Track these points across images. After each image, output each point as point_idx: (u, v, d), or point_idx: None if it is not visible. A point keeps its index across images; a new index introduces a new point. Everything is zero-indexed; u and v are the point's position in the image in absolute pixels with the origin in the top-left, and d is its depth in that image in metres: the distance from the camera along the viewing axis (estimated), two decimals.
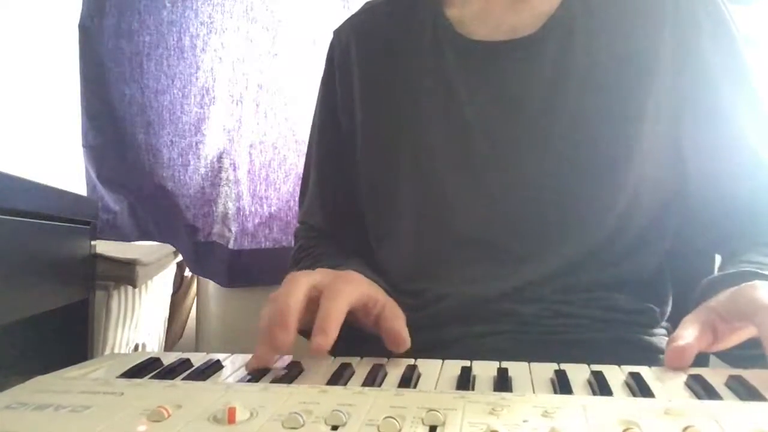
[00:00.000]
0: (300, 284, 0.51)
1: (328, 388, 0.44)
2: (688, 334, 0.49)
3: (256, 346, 0.50)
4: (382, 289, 0.59)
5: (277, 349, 0.49)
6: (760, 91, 0.67)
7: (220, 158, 1.24)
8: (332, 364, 0.49)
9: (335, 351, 0.50)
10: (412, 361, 0.50)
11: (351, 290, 0.52)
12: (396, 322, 0.54)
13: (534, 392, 0.43)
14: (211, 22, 1.20)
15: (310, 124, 0.84)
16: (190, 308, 1.49)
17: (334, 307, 0.50)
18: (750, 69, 0.67)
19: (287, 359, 0.52)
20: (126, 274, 1.07)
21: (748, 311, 0.47)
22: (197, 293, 1.35)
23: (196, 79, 1.21)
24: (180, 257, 1.33)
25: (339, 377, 0.46)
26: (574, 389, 0.43)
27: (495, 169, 0.67)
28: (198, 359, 0.53)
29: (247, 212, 1.24)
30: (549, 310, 0.64)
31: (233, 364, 0.52)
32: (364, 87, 0.75)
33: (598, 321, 0.64)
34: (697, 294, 0.58)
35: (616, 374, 0.46)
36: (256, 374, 0.48)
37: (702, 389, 0.42)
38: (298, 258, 0.79)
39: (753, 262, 0.58)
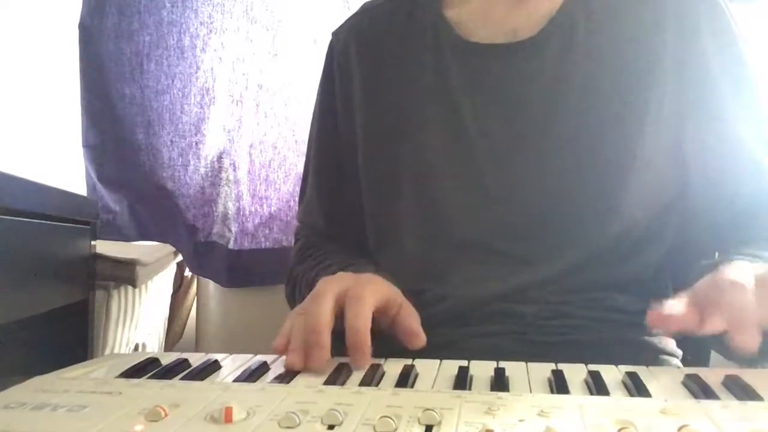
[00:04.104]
0: (326, 300, 0.52)
1: (326, 387, 0.44)
2: (675, 306, 0.50)
3: (288, 352, 0.51)
4: (398, 290, 0.59)
5: (314, 366, 0.49)
6: (761, 93, 0.67)
7: (220, 158, 1.24)
8: (330, 364, 0.49)
9: (334, 351, 0.51)
10: (409, 361, 0.50)
11: (372, 296, 0.53)
12: (412, 320, 0.56)
13: (531, 392, 0.43)
14: (211, 22, 1.20)
15: (310, 124, 0.84)
16: (190, 308, 1.49)
17: (360, 314, 0.51)
18: (752, 71, 0.67)
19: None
20: (126, 274, 1.07)
21: (717, 290, 0.47)
22: (197, 293, 1.35)
23: (196, 79, 1.21)
24: (180, 257, 1.33)
25: (336, 377, 0.46)
26: (570, 389, 0.43)
27: (495, 172, 0.67)
28: (196, 359, 0.53)
29: (247, 212, 1.25)
30: (549, 310, 0.64)
31: (231, 364, 0.52)
32: (364, 89, 0.75)
33: (598, 321, 0.64)
34: (690, 280, 0.58)
35: (613, 374, 0.46)
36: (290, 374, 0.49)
37: (699, 389, 0.42)
38: (302, 257, 0.79)
39: (746, 254, 0.58)
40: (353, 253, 0.75)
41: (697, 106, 0.65)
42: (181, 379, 0.48)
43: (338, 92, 0.77)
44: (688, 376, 0.44)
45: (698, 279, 0.52)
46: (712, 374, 0.44)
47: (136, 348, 1.21)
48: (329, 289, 0.53)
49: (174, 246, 1.28)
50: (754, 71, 0.67)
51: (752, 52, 0.67)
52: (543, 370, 0.47)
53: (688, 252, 0.69)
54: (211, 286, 1.29)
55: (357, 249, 0.76)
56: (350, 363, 0.49)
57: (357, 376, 0.47)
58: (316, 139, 0.82)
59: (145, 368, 0.50)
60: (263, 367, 0.50)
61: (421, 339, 0.55)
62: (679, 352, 0.66)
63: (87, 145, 1.20)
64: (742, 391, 0.41)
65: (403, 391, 0.42)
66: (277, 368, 0.50)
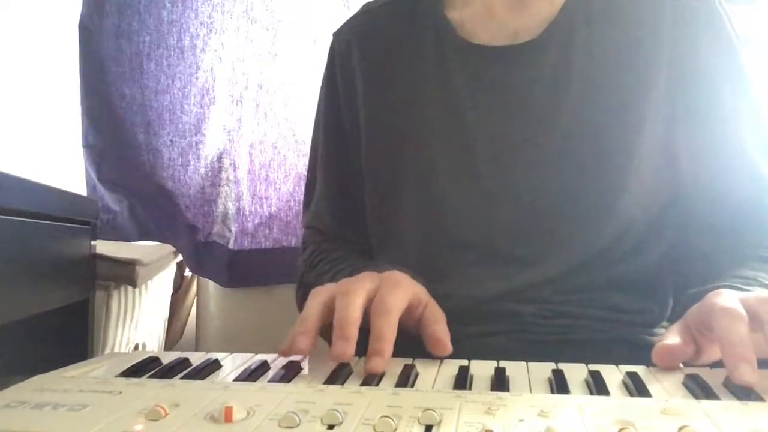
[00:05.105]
0: (358, 295, 0.51)
1: (326, 387, 0.44)
2: (673, 339, 0.49)
3: (295, 338, 0.50)
4: (423, 287, 0.58)
5: (339, 358, 0.49)
6: (757, 95, 0.67)
7: (220, 158, 1.24)
8: (331, 364, 0.49)
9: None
10: (410, 361, 0.50)
11: (401, 299, 0.52)
12: (438, 326, 0.54)
13: (531, 392, 0.43)
14: (211, 22, 1.20)
15: (312, 125, 0.84)
16: (190, 308, 1.49)
17: (387, 326, 0.50)
18: (748, 75, 0.67)
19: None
20: (126, 274, 1.06)
21: (708, 318, 0.47)
22: (197, 293, 1.35)
23: (196, 79, 1.21)
24: (180, 257, 1.33)
25: (337, 376, 0.46)
26: (571, 389, 0.43)
27: (495, 172, 0.67)
28: (197, 358, 0.53)
29: (247, 212, 1.25)
30: (549, 310, 0.64)
31: (232, 364, 0.52)
32: (366, 89, 0.75)
33: (598, 321, 0.64)
34: (680, 308, 0.58)
35: (613, 374, 0.46)
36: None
37: (699, 389, 0.42)
38: (313, 263, 0.77)
39: (738, 277, 0.57)
40: (364, 256, 0.75)
41: (692, 105, 0.66)
42: (182, 378, 0.48)
43: (341, 92, 0.77)
44: (688, 376, 0.44)
45: (688, 307, 0.52)
46: (713, 374, 0.44)
47: (136, 348, 1.21)
48: (361, 285, 0.52)
49: (174, 246, 1.28)
50: (751, 74, 0.67)
51: (752, 52, 0.68)
52: (543, 369, 0.47)
53: (688, 252, 0.69)
54: (211, 286, 1.29)
55: (368, 251, 0.76)
56: (366, 366, 0.48)
57: (357, 375, 0.47)
58: (323, 140, 0.81)
59: (146, 367, 0.50)
60: (263, 367, 0.50)
61: (446, 348, 0.53)
62: None
63: (87, 145, 1.20)
64: (743, 391, 0.41)
65: (404, 391, 0.42)
66: (277, 368, 0.50)
